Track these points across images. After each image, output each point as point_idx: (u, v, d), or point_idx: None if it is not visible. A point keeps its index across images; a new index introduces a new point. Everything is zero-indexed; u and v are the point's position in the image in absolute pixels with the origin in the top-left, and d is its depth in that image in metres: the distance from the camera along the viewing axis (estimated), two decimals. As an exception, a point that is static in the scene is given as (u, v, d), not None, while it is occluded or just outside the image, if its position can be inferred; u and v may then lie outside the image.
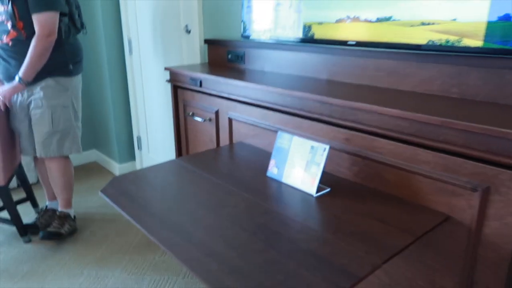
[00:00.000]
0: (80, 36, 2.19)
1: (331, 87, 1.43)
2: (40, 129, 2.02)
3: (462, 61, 1.15)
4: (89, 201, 2.80)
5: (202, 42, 2.22)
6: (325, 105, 1.29)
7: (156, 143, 2.94)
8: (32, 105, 1.99)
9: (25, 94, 1.99)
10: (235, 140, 1.71)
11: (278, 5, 1.61)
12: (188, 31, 2.29)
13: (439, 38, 1.15)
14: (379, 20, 1.28)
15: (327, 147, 1.16)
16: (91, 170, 3.38)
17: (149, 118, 2.95)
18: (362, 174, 1.23)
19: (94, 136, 3.48)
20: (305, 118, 1.37)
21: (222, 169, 1.38)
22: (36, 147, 2.06)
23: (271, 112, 1.49)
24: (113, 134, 3.14)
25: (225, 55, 2.03)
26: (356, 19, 1.35)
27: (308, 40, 1.53)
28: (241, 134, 1.66)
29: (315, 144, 1.20)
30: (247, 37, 1.82)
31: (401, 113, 1.07)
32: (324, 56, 1.54)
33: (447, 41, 1.13)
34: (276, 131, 1.49)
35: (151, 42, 2.72)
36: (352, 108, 1.20)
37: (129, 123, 3.16)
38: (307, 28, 1.52)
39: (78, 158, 3.46)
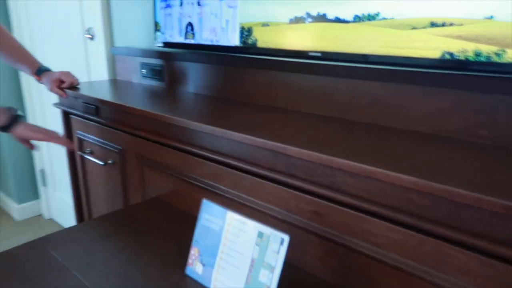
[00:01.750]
0: None
1: (288, 123, 0.94)
2: None
3: (501, 87, 0.71)
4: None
5: (109, 51, 1.65)
6: (280, 157, 0.79)
7: (64, 179, 2.29)
8: None
9: None
10: (149, 194, 1.17)
11: (204, -2, 1.10)
12: (92, 37, 1.71)
13: (461, 48, 0.70)
14: (358, 19, 0.81)
15: (286, 238, 0.67)
16: (-19, 212, 2.64)
17: (53, 148, 2.30)
18: (342, 271, 0.75)
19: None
20: (249, 174, 0.86)
21: (110, 260, 0.83)
22: None
23: (198, 160, 0.97)
24: (8, 166, 2.44)
25: (138, 69, 1.48)
26: (321, 18, 0.87)
27: (249, 50, 1.03)
28: (157, 187, 1.13)
29: (265, 230, 0.69)
30: (164, 44, 1.29)
31: (416, 182, 0.60)
32: (274, 74, 1.05)
33: (477, 54, 0.68)
34: (208, 190, 0.97)
35: (49, 50, 2.09)
36: (325, 165, 0.72)
37: (29, 152, 2.48)
38: (245, 31, 1.02)
39: (-35, 197, 2.71)
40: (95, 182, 1.39)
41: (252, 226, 0.71)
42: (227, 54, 1.11)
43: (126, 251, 0.86)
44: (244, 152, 0.86)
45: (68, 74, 1.32)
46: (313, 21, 0.89)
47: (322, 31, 0.88)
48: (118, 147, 1.21)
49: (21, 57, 1.26)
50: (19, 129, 1.02)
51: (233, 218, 0.74)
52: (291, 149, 0.75)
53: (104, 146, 1.26)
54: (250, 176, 0.86)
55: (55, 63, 2.05)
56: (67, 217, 2.39)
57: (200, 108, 1.12)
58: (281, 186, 0.80)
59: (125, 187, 1.24)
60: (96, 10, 1.63)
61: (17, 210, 2.52)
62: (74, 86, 1.33)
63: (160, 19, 1.26)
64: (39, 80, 1.29)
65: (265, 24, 0.97)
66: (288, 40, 0.94)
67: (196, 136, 0.96)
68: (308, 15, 0.89)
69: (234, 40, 1.05)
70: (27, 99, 2.36)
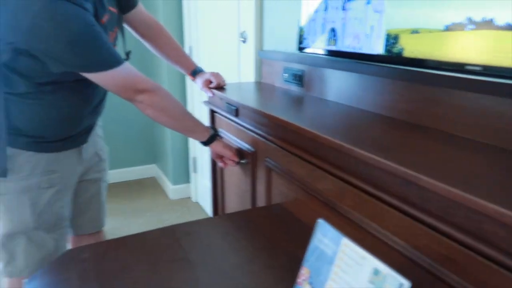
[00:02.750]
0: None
1: (430, 147, 0.82)
2: None
3: None
4: (130, 224, 2.48)
5: (257, 54, 1.71)
6: (413, 187, 0.69)
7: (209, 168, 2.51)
8: None
9: None
10: (274, 199, 1.17)
11: (350, 1, 1.03)
12: (244, 40, 1.81)
13: None
14: (538, 26, 0.64)
15: (406, 285, 0.57)
16: (146, 187, 3.10)
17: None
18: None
19: (154, 149, 3.21)
20: (377, 198, 0.78)
21: (224, 261, 0.85)
22: None
23: (322, 173, 0.92)
24: (169, 151, 2.81)
25: (281, 73, 1.50)
26: (486, 24, 0.72)
27: (394, 59, 0.93)
28: (282, 193, 1.12)
29: (383, 268, 0.61)
30: (304, 49, 1.27)
31: None
32: (423, 89, 0.93)
33: None
34: (329, 206, 0.92)
35: (209, 52, 2.30)
36: (468, 206, 0.59)
37: (185, 141, 2.80)
38: (391, 39, 0.92)
39: (137, 171, 3.22)
40: (230, 178, 1.47)
41: (368, 260, 0.64)
42: (369, 63, 1.02)
43: (239, 254, 0.88)
44: (373, 174, 0.78)
45: (217, 75, 1.42)
46: (475, 28, 0.74)
47: (487, 40, 0.72)
48: (251, 148, 1.24)
49: (179, 59, 1.40)
50: (215, 145, 1.23)
51: (348, 246, 0.68)
52: (425, 180, 0.64)
53: (240, 145, 1.31)
54: (377, 201, 0.77)
55: (212, 63, 2.25)
56: (209, 204, 2.62)
57: (334, 120, 1.07)
58: (412, 220, 0.70)
59: (254, 188, 1.27)
60: (250, 14, 1.71)
61: (172, 190, 2.87)
62: (221, 87, 1.42)
63: (305, 24, 1.25)
64: (193, 80, 1.43)
65: (414, 31, 0.86)
66: (442, 50, 0.81)
67: (322, 148, 0.91)
68: (470, 20, 0.74)
69: (377, 48, 0.96)
70: (189, 96, 2.66)
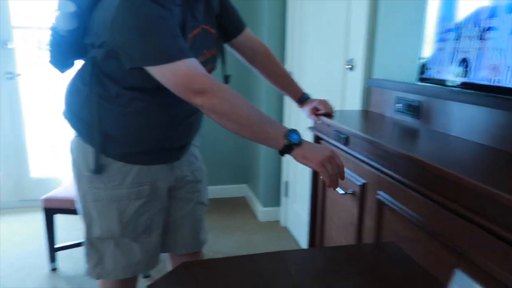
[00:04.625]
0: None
1: None
2: None
3: None
4: (219, 243, 2.54)
5: (366, 82, 1.67)
6: None
7: (303, 193, 2.48)
8: None
9: None
10: (384, 236, 1.10)
11: (491, 32, 0.95)
12: (351, 67, 1.78)
13: None
14: None
15: None
16: (236, 206, 3.17)
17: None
18: None
19: (246, 170, 3.28)
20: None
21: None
22: None
23: (452, 216, 0.84)
24: (261, 173, 2.85)
25: (392, 103, 1.44)
26: None
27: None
28: (395, 231, 1.05)
29: None
30: (425, 79, 1.19)
31: None
32: None
33: None
34: (457, 252, 0.83)
35: (311, 77, 2.31)
36: None
37: (278, 164, 2.81)
38: (545, 72, 0.82)
39: (227, 190, 3.31)
40: (333, 208, 1.42)
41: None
42: (510, 97, 0.92)
43: (355, 294, 0.82)
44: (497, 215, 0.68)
45: (325, 103, 1.40)
46: None
47: None
48: (361, 180, 1.19)
49: (287, 85, 1.39)
50: (294, 154, 0.99)
51: (494, 305, 0.59)
52: None
53: (347, 175, 1.27)
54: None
55: (315, 88, 2.25)
56: (298, 230, 2.57)
57: (463, 157, 0.98)
58: None
59: (360, 222, 1.21)
60: (360, 41, 1.68)
61: (261, 212, 2.89)
62: (329, 115, 1.40)
63: (427, 53, 1.18)
64: (300, 107, 1.41)
65: None
66: None
67: (451, 187, 0.83)
68: None
69: (523, 81, 0.86)
70: (286, 118, 2.68)
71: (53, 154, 3.02)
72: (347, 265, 0.93)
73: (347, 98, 1.85)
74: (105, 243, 1.15)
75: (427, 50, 1.19)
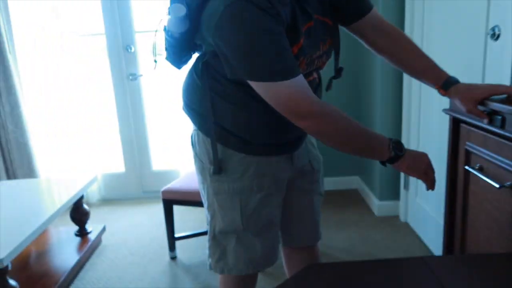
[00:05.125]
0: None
1: None
2: None
3: None
4: (333, 238, 2.39)
5: (518, 50, 1.35)
6: None
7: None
8: None
9: None
10: None
11: None
12: (496, 37, 1.47)
13: None
14: None
15: None
16: (349, 199, 2.98)
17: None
18: None
19: (359, 161, 3.06)
20: None
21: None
22: None
23: None
24: (377, 164, 2.61)
25: None
26: None
27: None
28: None
29: None
30: None
31: None
32: None
33: None
34: None
35: (439, 52, 2.00)
36: None
37: (397, 154, 2.54)
38: None
39: (339, 182, 3.14)
40: (479, 206, 1.17)
41: None
42: None
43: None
44: None
45: (501, 87, 1.02)
46: None
47: None
48: (526, 170, 0.93)
49: (425, 68, 1.12)
50: (397, 165, 1.01)
51: None
52: None
53: (503, 165, 1.01)
54: None
55: (445, 65, 1.94)
56: (423, 226, 2.29)
57: None
58: None
59: (525, 223, 0.95)
60: (508, 6, 1.37)
61: (377, 206, 2.66)
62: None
63: None
64: (444, 94, 1.10)
65: None
66: None
67: None
68: None
69: None
70: (405, 102, 2.40)
71: (172, 148, 3.19)
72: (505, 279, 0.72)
73: (490, 76, 1.53)
74: (228, 237, 1.13)
75: None
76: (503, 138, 1.03)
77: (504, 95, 1.03)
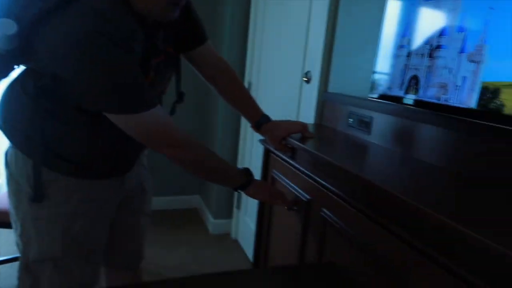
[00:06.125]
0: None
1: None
2: None
3: None
4: (166, 257, 2.41)
5: (321, 96, 1.63)
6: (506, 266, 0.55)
7: (255, 206, 2.41)
8: None
9: None
10: (326, 257, 1.04)
11: (440, 50, 0.93)
12: (308, 80, 1.75)
13: None
14: None
15: None
16: (187, 218, 3.05)
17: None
18: None
19: (199, 180, 3.17)
20: (454, 276, 0.63)
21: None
22: None
23: (391, 237, 0.79)
24: (213, 184, 2.75)
25: (345, 118, 1.40)
26: None
27: (489, 116, 0.80)
28: (336, 251, 0.99)
29: None
30: (378, 96, 1.17)
31: None
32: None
33: None
34: (393, 276, 0.78)
35: (269, 89, 2.26)
36: None
37: (232, 175, 2.73)
38: (489, 93, 0.80)
39: (180, 200, 3.18)
40: (279, 224, 1.36)
41: None
42: (457, 117, 0.90)
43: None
44: (455, 246, 0.64)
45: (304, 127, 1.22)
46: None
47: None
48: (306, 196, 1.13)
49: (245, 105, 1.26)
50: (247, 191, 1.13)
51: None
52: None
53: (294, 191, 1.21)
54: (457, 280, 0.63)
55: (272, 102, 2.21)
56: (248, 242, 2.49)
57: (409, 176, 0.94)
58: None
59: (304, 241, 1.15)
60: (318, 54, 1.65)
61: (212, 224, 2.79)
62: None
63: (381, 69, 1.15)
64: (257, 131, 1.26)
65: (521, 86, 0.73)
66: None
67: (392, 207, 0.79)
68: None
69: (468, 101, 0.84)
70: (242, 132, 2.62)
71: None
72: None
73: (302, 112, 1.81)
74: (43, 265, 1.01)
75: (381, 66, 1.16)
76: (294, 168, 1.22)
77: (299, 133, 1.24)
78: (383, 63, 1.15)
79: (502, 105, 0.77)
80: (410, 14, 1.03)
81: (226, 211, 2.78)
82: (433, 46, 0.94)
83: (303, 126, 1.24)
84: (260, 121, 1.24)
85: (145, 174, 1.24)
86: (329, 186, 1.03)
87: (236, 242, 2.70)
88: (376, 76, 1.18)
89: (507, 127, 0.79)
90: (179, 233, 2.77)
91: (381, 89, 1.15)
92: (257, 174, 2.23)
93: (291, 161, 1.24)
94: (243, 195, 2.55)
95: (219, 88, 1.25)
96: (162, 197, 3.07)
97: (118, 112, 0.87)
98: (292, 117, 1.86)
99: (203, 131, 3.08)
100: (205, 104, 3.04)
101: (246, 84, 2.53)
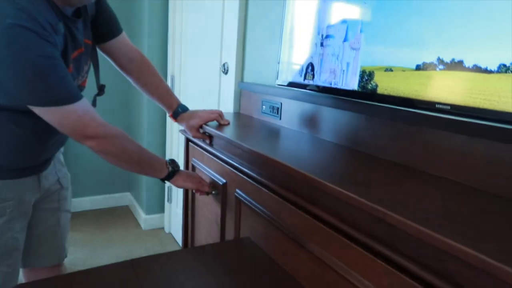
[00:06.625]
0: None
1: (404, 185, 0.80)
2: None
3: None
4: (98, 257, 2.37)
5: (237, 85, 1.72)
6: (382, 224, 0.67)
7: (184, 199, 2.45)
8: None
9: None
10: (243, 232, 1.13)
11: (328, 38, 1.05)
12: (226, 71, 1.82)
13: None
14: (505, 69, 0.65)
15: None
16: (118, 216, 2.99)
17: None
18: None
19: (129, 177, 3.13)
20: (344, 235, 0.75)
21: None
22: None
23: (293, 208, 0.89)
24: (143, 179, 2.74)
25: (259, 105, 1.50)
26: (456, 65, 0.73)
27: (368, 96, 0.93)
28: (251, 227, 1.08)
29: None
30: (283, 84, 1.27)
31: None
32: (396, 126, 0.93)
33: None
34: (295, 241, 0.88)
35: (191, 81, 2.30)
36: (434, 245, 0.57)
37: (162, 169, 2.73)
38: (366, 76, 0.92)
39: (111, 199, 3.12)
40: (202, 209, 1.42)
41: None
42: (344, 98, 1.02)
43: (201, 291, 0.82)
44: (343, 210, 0.75)
45: (218, 115, 1.29)
46: (445, 69, 0.75)
47: (455, 80, 0.73)
48: (223, 179, 1.21)
49: (162, 96, 1.30)
50: (174, 180, 1.15)
51: None
52: (394, 218, 0.61)
53: (212, 176, 1.28)
54: (343, 238, 0.74)
55: (194, 93, 2.25)
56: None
57: (308, 153, 1.05)
58: (373, 256, 0.67)
59: (223, 221, 1.23)
60: (232, 46, 1.73)
61: (144, 220, 2.78)
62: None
63: (284, 58, 1.26)
64: (175, 121, 1.31)
65: (388, 69, 0.86)
66: (413, 88, 0.82)
67: (293, 181, 0.89)
68: (440, 61, 0.75)
69: (352, 84, 0.97)
70: (168, 126, 2.63)
71: None
72: (201, 266, 0.93)
73: (223, 101, 1.88)
74: None
75: (284, 55, 1.26)
76: (211, 155, 1.29)
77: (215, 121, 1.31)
78: (286, 53, 1.25)
79: (376, 86, 0.90)
80: (309, 8, 1.14)
81: (158, 206, 2.79)
82: (324, 36, 1.06)
83: (219, 114, 1.31)
84: (177, 111, 1.29)
85: (63, 171, 1.24)
86: (241, 167, 1.11)
87: (170, 235, 2.72)
88: (280, 65, 1.28)
89: (381, 105, 0.92)
90: (111, 232, 2.72)
91: (285, 76, 1.25)
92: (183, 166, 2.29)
93: (207, 147, 1.31)
94: (174, 189, 2.60)
95: (136, 79, 1.28)
96: (92, 197, 2.99)
97: (44, 104, 0.88)
98: (214, 107, 1.92)
99: (130, 126, 3.04)
100: (130, 99, 3.00)
101: (169, 78, 2.54)
